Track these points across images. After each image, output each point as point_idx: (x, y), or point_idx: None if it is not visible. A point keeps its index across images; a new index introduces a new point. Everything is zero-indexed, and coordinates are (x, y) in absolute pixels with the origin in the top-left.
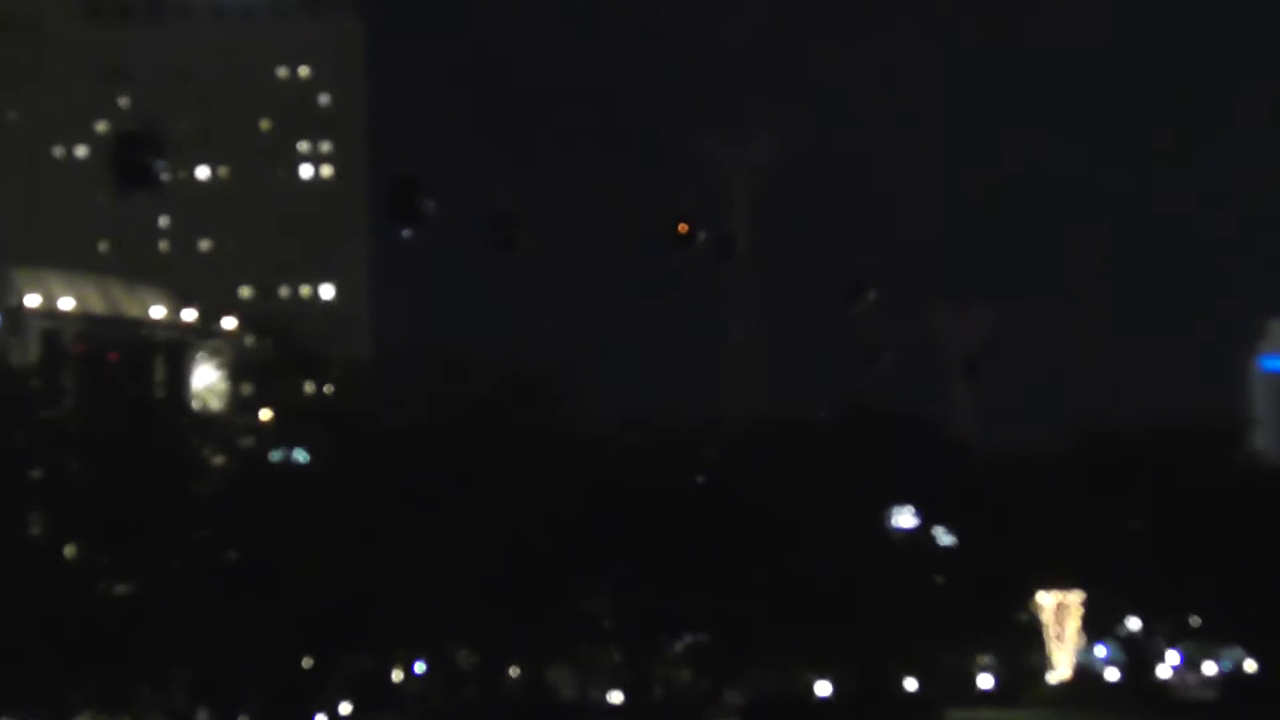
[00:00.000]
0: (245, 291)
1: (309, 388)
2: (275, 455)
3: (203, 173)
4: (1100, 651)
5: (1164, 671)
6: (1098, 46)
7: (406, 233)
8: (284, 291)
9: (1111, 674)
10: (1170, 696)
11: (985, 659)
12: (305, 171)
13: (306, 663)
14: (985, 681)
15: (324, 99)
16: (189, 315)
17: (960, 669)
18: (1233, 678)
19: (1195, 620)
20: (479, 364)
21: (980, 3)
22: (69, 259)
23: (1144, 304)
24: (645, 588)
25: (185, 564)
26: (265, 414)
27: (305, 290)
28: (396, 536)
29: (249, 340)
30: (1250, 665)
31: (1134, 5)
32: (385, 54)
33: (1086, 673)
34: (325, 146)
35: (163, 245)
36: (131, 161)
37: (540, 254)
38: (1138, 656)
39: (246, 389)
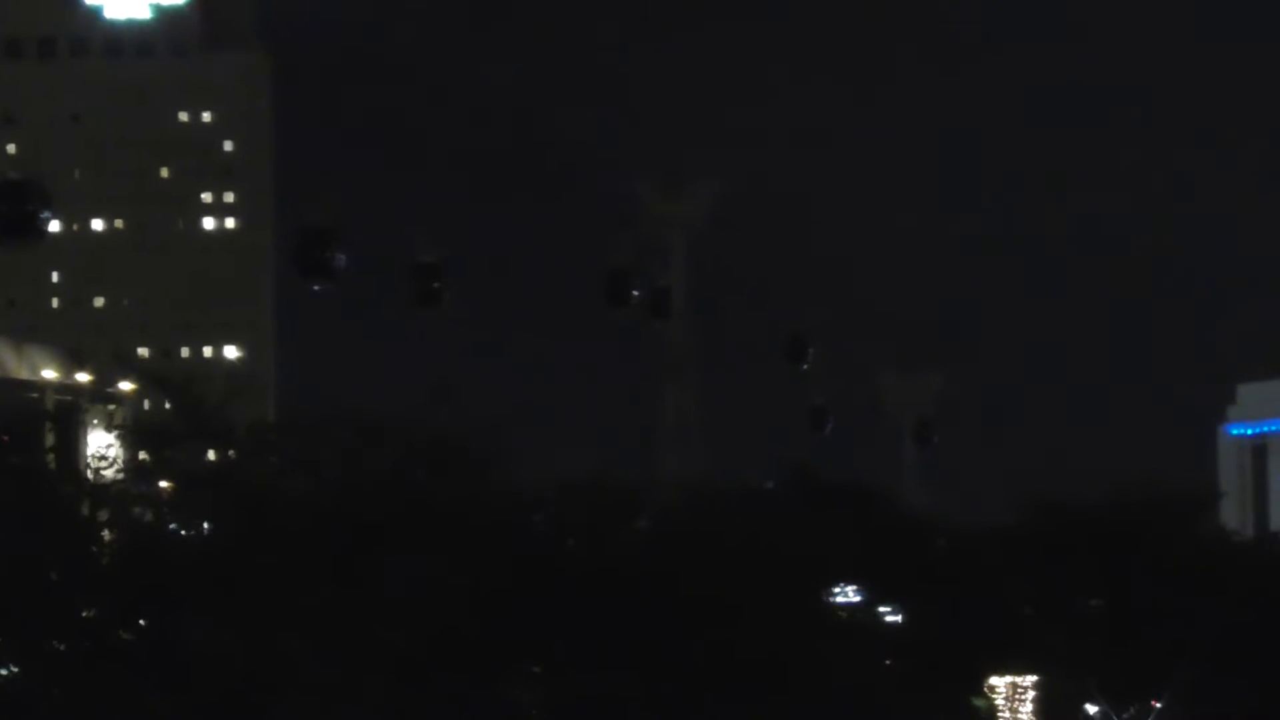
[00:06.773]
0: (143, 352)
1: (211, 454)
2: (175, 527)
3: (97, 224)
4: None
5: None
6: (1053, 90)
7: (317, 287)
8: (185, 351)
9: None
10: None
11: None
12: (208, 223)
13: None
14: None
15: (228, 145)
16: (82, 377)
17: None
18: None
19: (1159, 705)
20: (394, 427)
21: (935, 52)
22: None
23: (1104, 368)
24: (577, 670)
25: (75, 645)
26: (164, 482)
27: (208, 350)
28: (304, 615)
29: (146, 404)
30: None
31: (1092, 50)
32: (293, 93)
33: None
34: (230, 196)
35: (54, 302)
36: (13, 212)
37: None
38: None
39: (144, 455)
